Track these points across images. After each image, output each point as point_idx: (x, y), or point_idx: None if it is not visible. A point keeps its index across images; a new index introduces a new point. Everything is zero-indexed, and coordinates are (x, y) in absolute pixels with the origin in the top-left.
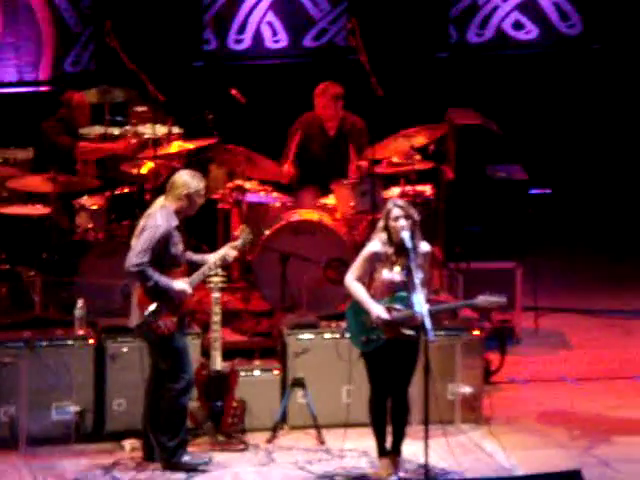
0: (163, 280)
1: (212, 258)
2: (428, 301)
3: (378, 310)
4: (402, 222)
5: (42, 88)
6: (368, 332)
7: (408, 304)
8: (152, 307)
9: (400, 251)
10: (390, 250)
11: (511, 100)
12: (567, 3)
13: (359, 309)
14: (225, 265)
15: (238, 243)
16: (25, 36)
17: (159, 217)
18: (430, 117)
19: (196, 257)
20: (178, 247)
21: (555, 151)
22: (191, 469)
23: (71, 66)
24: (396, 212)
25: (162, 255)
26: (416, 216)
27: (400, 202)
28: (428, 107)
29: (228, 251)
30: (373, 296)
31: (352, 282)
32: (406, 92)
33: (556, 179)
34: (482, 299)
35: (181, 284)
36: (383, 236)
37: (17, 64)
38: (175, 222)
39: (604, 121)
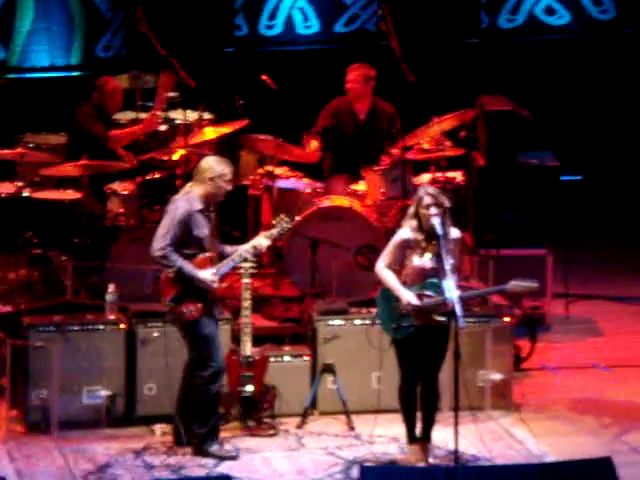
0: (187, 267)
1: (244, 248)
2: (459, 287)
3: (409, 296)
4: (433, 210)
5: (74, 73)
6: (399, 319)
7: (439, 291)
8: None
9: (431, 238)
10: (420, 237)
11: (543, 86)
12: None
13: (390, 296)
14: (258, 254)
15: (274, 231)
16: (57, 21)
17: (180, 201)
18: (461, 103)
19: (229, 249)
20: (202, 231)
21: (587, 138)
22: (218, 459)
23: (103, 51)
24: (427, 200)
25: (185, 238)
26: (447, 204)
27: (432, 190)
28: (459, 93)
29: (261, 240)
30: (404, 283)
31: (382, 269)
32: (437, 78)
33: (588, 166)
34: (513, 284)
35: (205, 273)
36: (413, 223)
37: (49, 49)
38: (199, 206)
39: (636, 107)
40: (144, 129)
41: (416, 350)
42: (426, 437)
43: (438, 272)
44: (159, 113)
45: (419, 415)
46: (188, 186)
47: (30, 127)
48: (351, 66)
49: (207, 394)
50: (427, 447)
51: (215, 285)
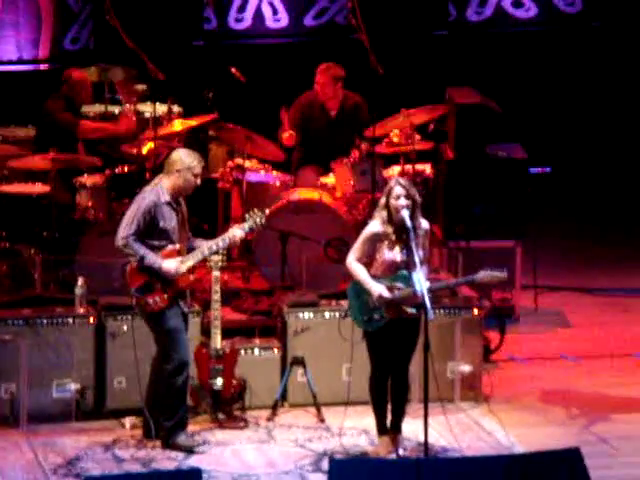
0: (150, 256)
1: (214, 241)
2: (428, 279)
3: (379, 289)
4: (402, 201)
5: (42, 66)
6: (370, 312)
7: (409, 283)
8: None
9: (400, 230)
10: (390, 229)
11: (511, 79)
12: None
13: (360, 289)
14: (229, 247)
15: (246, 225)
16: (25, 13)
17: (147, 192)
18: (430, 96)
19: (197, 243)
20: (169, 222)
21: (555, 130)
22: (186, 450)
23: (70, 44)
24: (398, 190)
25: (151, 230)
26: (417, 197)
27: (403, 181)
28: (428, 86)
29: (235, 232)
30: (375, 276)
31: (352, 262)
32: (406, 71)
33: (556, 158)
34: (483, 274)
35: (168, 262)
36: (384, 214)
37: (17, 41)
38: (166, 198)
39: (603, 99)
40: (120, 130)
41: (387, 342)
42: (396, 429)
43: (408, 264)
44: (134, 118)
45: (389, 407)
46: (157, 178)
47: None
48: (320, 67)
49: (173, 387)
50: (397, 439)
51: (177, 275)
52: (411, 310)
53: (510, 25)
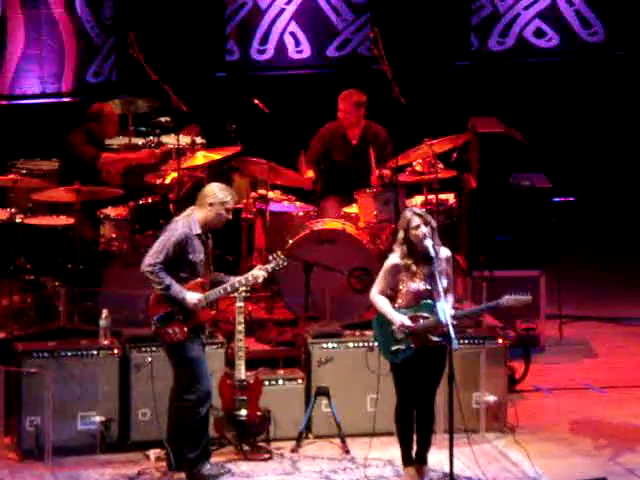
0: (175, 287)
1: (237, 279)
2: (453, 308)
3: (401, 318)
4: (423, 229)
5: (65, 99)
6: (396, 343)
7: (434, 311)
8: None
9: (421, 260)
10: (410, 261)
11: (533, 108)
12: (589, 10)
13: (385, 321)
14: (252, 286)
15: (269, 266)
16: (48, 47)
17: (180, 222)
18: (453, 126)
19: (219, 277)
20: (197, 255)
21: (578, 159)
22: None
23: (93, 77)
24: (416, 220)
25: (179, 261)
26: (434, 223)
27: (417, 210)
28: (451, 116)
29: (256, 273)
30: (400, 307)
31: (375, 295)
32: (428, 101)
33: (580, 187)
34: (507, 298)
35: (193, 295)
36: (404, 248)
37: (40, 75)
38: (197, 230)
39: (627, 129)
40: (140, 160)
41: (414, 373)
42: (422, 460)
43: (432, 293)
44: (158, 151)
45: (414, 438)
46: (190, 209)
47: (22, 153)
48: (342, 94)
49: (195, 418)
50: (423, 470)
51: (199, 308)
52: (436, 338)
53: (532, 55)
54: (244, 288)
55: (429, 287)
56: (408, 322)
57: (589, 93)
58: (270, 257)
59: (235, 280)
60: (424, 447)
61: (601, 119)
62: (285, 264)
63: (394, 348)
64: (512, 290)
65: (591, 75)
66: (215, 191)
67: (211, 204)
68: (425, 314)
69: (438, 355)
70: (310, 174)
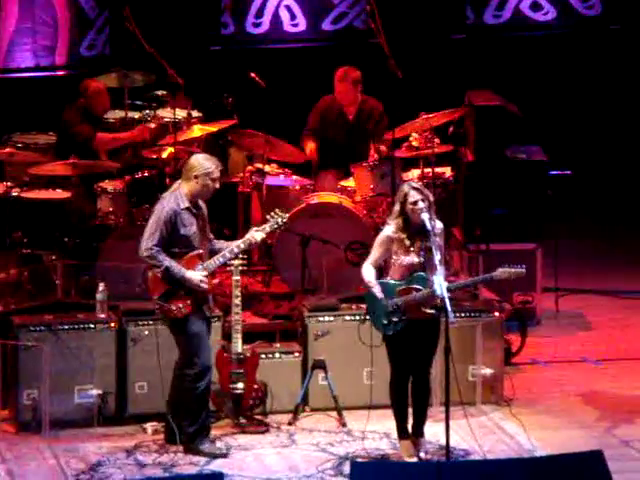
0: (175, 267)
1: (235, 243)
2: (447, 281)
3: (378, 293)
4: (421, 204)
5: (58, 73)
6: (389, 315)
7: (427, 284)
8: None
9: (416, 234)
10: (404, 235)
11: (529, 81)
12: None
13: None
14: (251, 248)
15: (267, 226)
16: (41, 21)
17: (166, 200)
18: (449, 99)
19: (221, 245)
20: (189, 229)
21: (575, 132)
22: (209, 456)
23: (87, 50)
24: (415, 195)
25: (173, 237)
26: (431, 197)
27: (415, 184)
28: (447, 89)
29: (254, 234)
30: (392, 279)
31: (364, 266)
32: (424, 74)
33: (576, 160)
34: (501, 271)
35: (193, 273)
36: (399, 221)
37: (33, 49)
38: (185, 204)
39: (623, 102)
40: (133, 139)
41: (407, 345)
42: (418, 432)
43: (426, 267)
44: (152, 126)
45: (410, 410)
46: (177, 183)
47: (18, 127)
48: (338, 74)
49: (195, 392)
50: (419, 442)
51: (204, 285)
52: (430, 310)
53: (528, 28)
54: (242, 260)
55: (422, 260)
56: (380, 295)
57: (585, 66)
58: (268, 216)
59: (233, 245)
60: (420, 420)
61: (597, 92)
62: (285, 221)
63: (387, 320)
64: (507, 263)
65: (587, 48)
66: (199, 162)
67: (196, 176)
68: (418, 286)
69: (431, 327)
70: (312, 146)
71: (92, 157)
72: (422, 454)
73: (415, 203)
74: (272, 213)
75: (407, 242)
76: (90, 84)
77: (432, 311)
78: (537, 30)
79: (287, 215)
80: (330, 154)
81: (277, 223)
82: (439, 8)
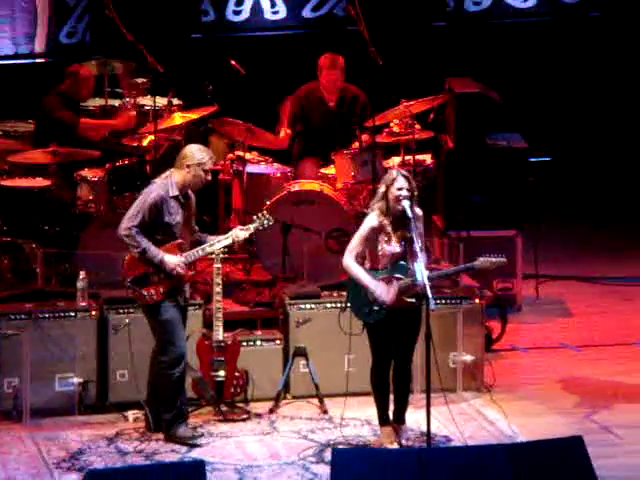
0: (153, 249)
1: (217, 238)
2: (428, 269)
3: (382, 293)
4: (404, 192)
5: (38, 60)
6: (370, 304)
7: (408, 272)
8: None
9: (398, 221)
10: (387, 221)
11: (510, 69)
12: None
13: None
14: (232, 245)
15: (251, 226)
16: (20, 8)
17: (156, 184)
18: (429, 86)
19: (203, 238)
20: (174, 217)
21: (555, 119)
22: (186, 442)
23: (66, 38)
24: (401, 182)
25: (155, 223)
26: (415, 188)
27: (405, 172)
28: (427, 76)
29: (237, 232)
30: (374, 268)
31: (350, 263)
32: (405, 62)
33: (556, 147)
34: (482, 260)
35: (170, 257)
36: (382, 205)
37: (12, 36)
38: (174, 192)
39: (603, 89)
40: (118, 126)
41: (387, 333)
42: (399, 419)
43: (407, 254)
44: (134, 112)
45: (391, 398)
46: (169, 171)
47: None
48: (325, 60)
49: (170, 378)
50: (400, 429)
51: (179, 271)
52: (411, 299)
53: (509, 15)
54: (223, 249)
55: (404, 249)
56: (385, 296)
57: (565, 53)
58: (254, 216)
59: (215, 240)
60: (401, 407)
61: (577, 79)
62: (271, 223)
63: (367, 309)
64: (488, 251)
65: (567, 35)
66: (193, 152)
67: (188, 166)
68: (399, 275)
69: (412, 315)
70: (283, 133)
71: (74, 143)
72: (403, 441)
73: (400, 189)
74: (259, 214)
75: (389, 229)
76: (81, 68)
77: (412, 300)
78: (517, 17)
79: (273, 218)
80: (311, 141)
81: (262, 224)
82: None
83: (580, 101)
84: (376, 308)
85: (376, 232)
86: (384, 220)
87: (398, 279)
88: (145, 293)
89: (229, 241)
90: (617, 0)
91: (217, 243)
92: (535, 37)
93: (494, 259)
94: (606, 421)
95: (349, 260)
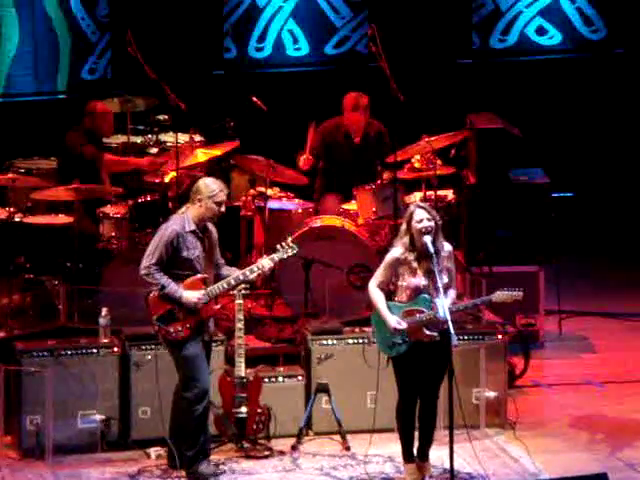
0: (171, 286)
1: (241, 271)
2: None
3: (393, 322)
4: (426, 223)
5: (60, 97)
6: (392, 337)
7: (431, 306)
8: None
9: (423, 256)
10: (412, 256)
11: (534, 105)
12: (590, 7)
13: None
14: (255, 279)
15: (276, 256)
16: (42, 45)
17: (172, 221)
18: (452, 122)
19: (228, 272)
20: (192, 252)
21: (578, 155)
22: (206, 478)
23: (88, 74)
24: (420, 214)
25: (175, 259)
26: (438, 218)
27: (422, 204)
28: (450, 112)
29: (263, 262)
30: (401, 301)
31: (373, 289)
32: (429, 98)
33: (579, 183)
34: (499, 294)
35: (189, 294)
36: (406, 240)
37: (35, 73)
38: (191, 227)
39: (627, 125)
40: (144, 166)
41: (413, 368)
42: (424, 456)
43: (431, 290)
44: (160, 160)
45: (416, 434)
46: (185, 207)
47: (20, 152)
48: (349, 100)
49: (193, 415)
50: (425, 466)
51: (199, 306)
52: (431, 333)
53: (534, 53)
54: (245, 285)
55: (428, 283)
56: (400, 326)
57: (589, 90)
58: (278, 246)
59: (239, 273)
60: (427, 443)
61: (601, 116)
62: (295, 252)
63: (391, 342)
64: (508, 286)
65: (591, 72)
66: (204, 186)
67: (200, 199)
68: (421, 308)
69: (438, 350)
70: (305, 157)
71: (97, 178)
72: (427, 478)
73: (420, 221)
74: (283, 243)
75: (414, 264)
76: (97, 104)
77: (433, 333)
78: (542, 54)
79: (297, 247)
80: (334, 176)
81: (287, 253)
82: (444, 32)
83: (604, 137)
84: (399, 341)
85: (399, 263)
86: (408, 255)
87: (420, 312)
88: (172, 330)
89: (255, 273)
90: None
91: (241, 275)
92: (560, 74)
93: (510, 292)
94: (631, 459)
95: (371, 286)
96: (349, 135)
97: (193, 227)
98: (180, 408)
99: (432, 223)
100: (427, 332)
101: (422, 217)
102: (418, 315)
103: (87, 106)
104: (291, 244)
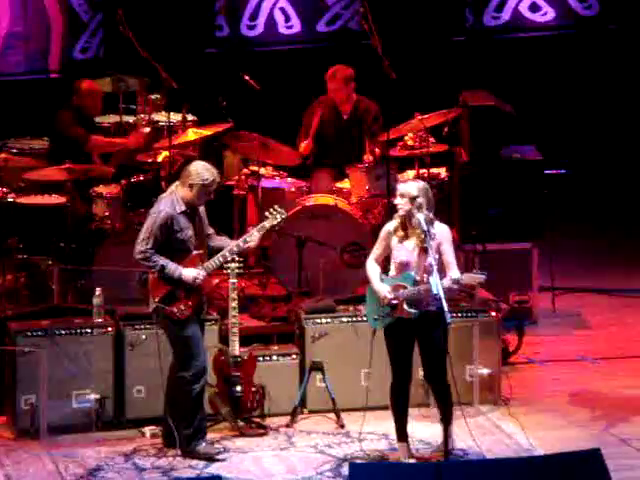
0: (170, 265)
1: (234, 242)
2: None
3: (384, 291)
4: (398, 200)
5: (52, 76)
6: (379, 309)
7: (414, 283)
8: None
9: (415, 232)
10: (402, 232)
11: (528, 82)
12: None
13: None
14: (247, 248)
15: (266, 223)
16: (33, 24)
17: (162, 203)
18: (445, 100)
19: (219, 242)
20: (185, 232)
21: (571, 131)
22: (206, 458)
23: (80, 53)
24: (399, 190)
25: (169, 240)
26: (414, 193)
27: (409, 181)
28: (442, 90)
29: (252, 232)
30: (392, 275)
31: (369, 263)
32: (422, 76)
33: (571, 159)
34: (466, 275)
35: (188, 271)
36: (402, 218)
37: (26, 52)
38: (181, 207)
39: (620, 101)
40: (129, 145)
41: (400, 345)
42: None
43: (419, 266)
44: (145, 130)
45: (410, 412)
46: (174, 186)
47: (12, 132)
48: (328, 72)
49: (191, 394)
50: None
51: (199, 282)
52: (410, 310)
53: (527, 29)
54: (239, 264)
55: (417, 259)
56: (389, 295)
57: (583, 66)
58: (267, 213)
59: (233, 244)
60: (445, 421)
61: (594, 92)
62: (284, 216)
63: (376, 315)
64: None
65: (585, 48)
66: (198, 172)
67: (191, 185)
68: (405, 284)
69: (428, 330)
70: (305, 144)
71: (85, 160)
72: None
73: (401, 195)
74: (271, 210)
75: (404, 239)
76: (83, 82)
77: (411, 310)
78: (536, 31)
79: (285, 212)
80: (325, 153)
81: (276, 219)
82: (438, 10)
83: (597, 114)
84: (382, 314)
85: (390, 236)
86: (400, 230)
87: (403, 287)
88: (175, 310)
89: (248, 243)
90: (635, 12)
91: (235, 247)
92: (553, 51)
93: (474, 275)
94: (624, 434)
95: (368, 260)
96: (338, 112)
97: (184, 207)
98: (177, 387)
99: (404, 201)
100: (406, 308)
101: (402, 192)
102: (401, 291)
103: (74, 84)
104: (278, 209)
